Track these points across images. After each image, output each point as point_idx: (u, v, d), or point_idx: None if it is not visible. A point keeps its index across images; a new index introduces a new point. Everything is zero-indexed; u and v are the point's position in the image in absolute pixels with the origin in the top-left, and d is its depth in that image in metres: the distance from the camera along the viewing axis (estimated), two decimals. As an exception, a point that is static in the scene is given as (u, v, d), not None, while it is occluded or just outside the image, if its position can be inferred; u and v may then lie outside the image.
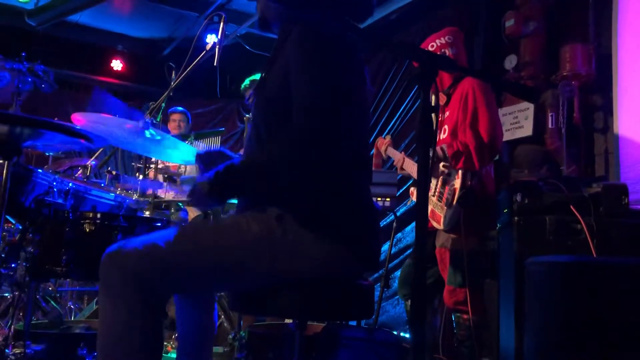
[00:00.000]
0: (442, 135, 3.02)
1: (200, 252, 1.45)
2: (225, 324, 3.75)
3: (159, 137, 2.30)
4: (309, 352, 2.11)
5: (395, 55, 4.97)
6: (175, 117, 4.78)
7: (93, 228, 1.99)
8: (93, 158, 3.70)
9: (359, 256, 1.53)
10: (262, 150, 1.56)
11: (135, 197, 2.72)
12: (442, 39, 3.01)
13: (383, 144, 3.42)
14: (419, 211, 1.23)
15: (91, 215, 2.04)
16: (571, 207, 2.40)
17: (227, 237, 1.47)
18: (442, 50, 2.97)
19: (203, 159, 1.76)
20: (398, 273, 4.86)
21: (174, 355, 2.79)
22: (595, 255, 2.30)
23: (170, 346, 2.83)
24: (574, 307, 1.63)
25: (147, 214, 2.87)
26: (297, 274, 1.49)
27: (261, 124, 1.58)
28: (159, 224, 2.11)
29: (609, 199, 2.42)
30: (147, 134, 2.24)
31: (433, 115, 3.41)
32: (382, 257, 4.65)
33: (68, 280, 3.90)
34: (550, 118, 3.75)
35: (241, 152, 3.05)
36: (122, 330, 1.40)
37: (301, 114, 1.42)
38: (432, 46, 3.00)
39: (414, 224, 3.19)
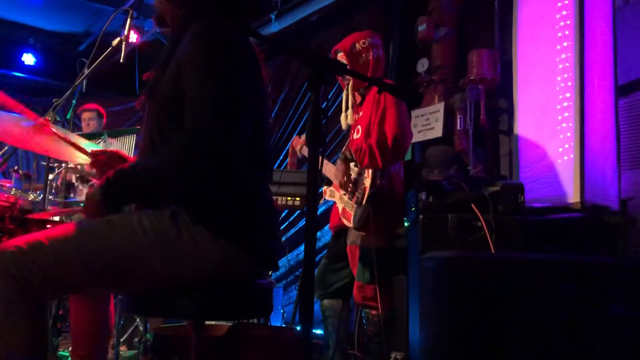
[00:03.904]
0: (356, 135, 3.07)
1: (87, 254, 1.40)
2: (141, 327, 3.65)
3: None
4: (214, 352, 2.10)
5: (289, 57, 5.00)
6: (85, 115, 4.62)
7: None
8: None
9: (255, 255, 1.53)
10: (155, 153, 1.53)
11: (31, 197, 2.59)
12: (368, 39, 3.06)
13: (298, 143, 3.44)
14: (309, 212, 1.26)
15: (-25, 217, 1.92)
16: (472, 205, 2.52)
17: (116, 237, 1.43)
18: (370, 51, 3.03)
19: (97, 160, 1.72)
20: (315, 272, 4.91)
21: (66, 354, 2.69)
22: (493, 251, 2.43)
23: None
24: (458, 302, 1.72)
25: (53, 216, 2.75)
26: (192, 274, 1.47)
27: (154, 125, 1.55)
28: (50, 227, 2.02)
29: (507, 198, 2.55)
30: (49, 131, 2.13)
31: (349, 113, 3.42)
32: (302, 256, 4.69)
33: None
34: (458, 120, 3.90)
35: None
36: (4, 330, 1.34)
37: (193, 115, 1.40)
38: (359, 46, 3.04)
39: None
